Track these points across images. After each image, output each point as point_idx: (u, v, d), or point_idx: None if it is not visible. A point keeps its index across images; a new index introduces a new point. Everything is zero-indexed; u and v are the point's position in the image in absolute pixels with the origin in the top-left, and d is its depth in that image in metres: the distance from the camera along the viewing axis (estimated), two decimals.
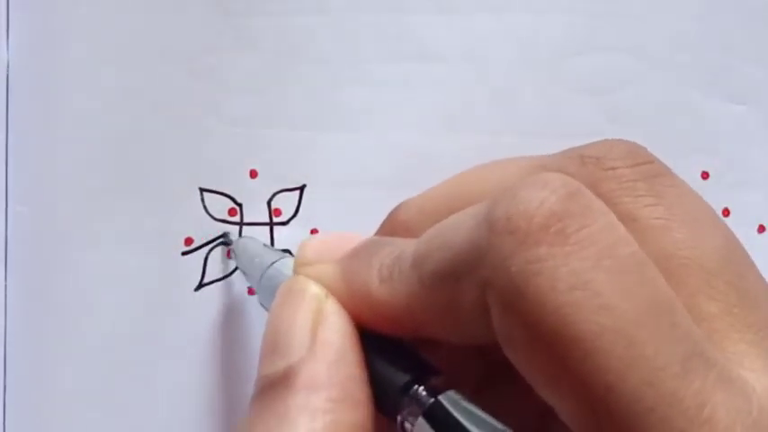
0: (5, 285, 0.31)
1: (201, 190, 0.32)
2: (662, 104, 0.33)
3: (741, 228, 0.34)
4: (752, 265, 0.23)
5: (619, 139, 0.24)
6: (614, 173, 0.23)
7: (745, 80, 0.34)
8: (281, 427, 0.22)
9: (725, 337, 0.21)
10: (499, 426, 0.22)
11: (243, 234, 0.32)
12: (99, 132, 0.32)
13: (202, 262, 0.32)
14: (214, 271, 0.32)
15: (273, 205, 0.32)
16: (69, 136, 0.31)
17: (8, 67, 0.31)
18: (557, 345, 0.19)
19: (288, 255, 0.29)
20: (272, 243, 0.32)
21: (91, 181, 0.32)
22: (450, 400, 0.22)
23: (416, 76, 0.33)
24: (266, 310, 0.27)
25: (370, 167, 0.33)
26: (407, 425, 0.23)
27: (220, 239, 0.32)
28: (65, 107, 0.31)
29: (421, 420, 0.22)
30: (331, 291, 0.24)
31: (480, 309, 0.21)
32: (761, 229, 0.34)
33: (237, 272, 0.32)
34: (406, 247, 0.24)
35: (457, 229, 0.22)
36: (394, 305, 0.23)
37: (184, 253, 0.32)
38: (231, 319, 0.32)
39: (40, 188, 0.31)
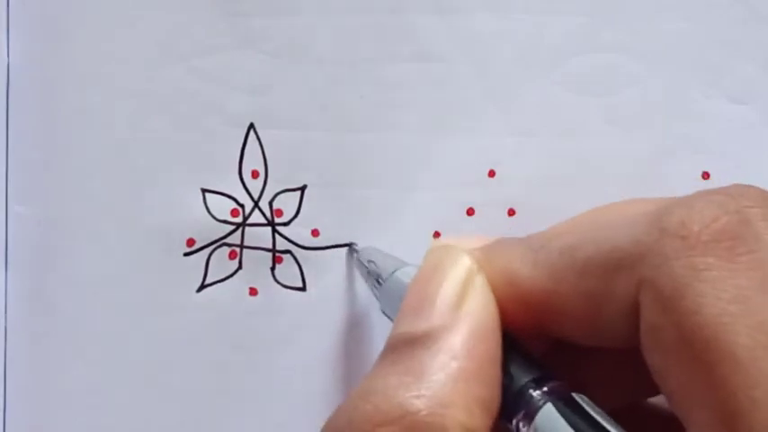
0: (5, 285, 0.31)
1: (203, 191, 0.32)
2: (662, 104, 0.33)
3: None
4: None
5: (749, 185, 0.24)
6: (750, 211, 0.23)
7: (745, 80, 0.34)
8: (417, 384, 0.22)
9: None
10: None
11: (246, 233, 0.32)
12: (99, 132, 0.32)
13: (204, 263, 0.32)
14: (216, 272, 0.32)
15: (275, 206, 0.32)
16: (69, 136, 0.31)
17: (8, 67, 0.31)
18: (709, 351, 0.20)
19: (411, 264, 0.29)
20: (274, 244, 0.32)
21: (91, 181, 0.32)
22: (577, 402, 0.23)
23: (416, 76, 0.33)
24: (389, 318, 0.27)
25: (370, 167, 0.33)
26: (522, 426, 0.23)
27: (346, 247, 0.32)
28: (65, 107, 0.31)
29: (543, 419, 0.22)
30: None
31: (630, 305, 0.21)
32: None
33: (239, 273, 0.32)
34: (551, 240, 0.24)
35: (615, 226, 0.22)
36: (536, 288, 0.23)
37: (186, 254, 0.32)
38: (233, 321, 0.32)
39: (40, 188, 0.31)
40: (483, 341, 0.23)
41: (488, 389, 0.23)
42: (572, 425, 0.22)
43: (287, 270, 0.32)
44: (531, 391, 0.23)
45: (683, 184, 0.33)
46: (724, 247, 0.20)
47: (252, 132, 0.32)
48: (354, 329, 0.32)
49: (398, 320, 0.24)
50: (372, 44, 0.33)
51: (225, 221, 0.32)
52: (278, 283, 0.32)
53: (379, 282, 0.29)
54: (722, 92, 0.34)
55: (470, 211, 0.33)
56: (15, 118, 0.31)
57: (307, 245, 0.32)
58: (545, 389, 0.23)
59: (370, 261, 0.30)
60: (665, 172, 0.33)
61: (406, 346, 0.23)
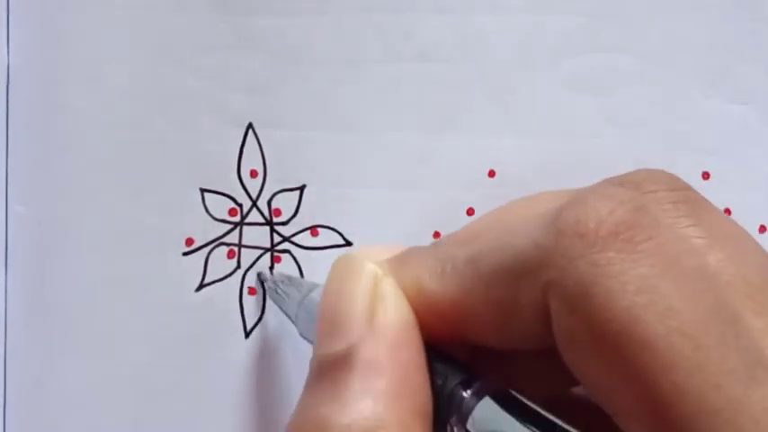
0: (5, 285, 0.31)
1: (202, 190, 0.32)
2: (662, 104, 0.33)
3: None
4: None
5: (656, 169, 0.25)
6: (654, 195, 0.23)
7: (745, 80, 0.34)
8: (343, 410, 0.22)
9: None
10: (560, 423, 0.22)
11: (244, 234, 0.32)
12: (99, 132, 0.32)
13: (203, 262, 0.32)
14: (215, 271, 0.32)
15: (273, 205, 0.32)
16: (69, 136, 0.31)
17: (8, 67, 0.31)
18: (624, 344, 0.20)
19: (322, 284, 0.28)
20: (272, 243, 0.32)
21: (91, 181, 0.31)
22: (512, 395, 0.23)
23: (416, 76, 0.33)
24: (309, 341, 0.27)
25: (370, 167, 0.33)
26: (457, 430, 0.23)
27: (257, 276, 0.32)
28: (65, 107, 0.31)
29: (481, 414, 0.22)
30: None
31: (539, 310, 0.21)
32: (762, 229, 0.34)
33: (238, 272, 0.32)
34: (457, 248, 0.24)
35: (516, 231, 0.22)
36: (445, 299, 0.23)
37: (185, 253, 0.32)
38: (232, 320, 0.32)
39: (40, 188, 0.31)
40: (403, 349, 0.23)
41: (419, 397, 0.23)
42: (512, 413, 0.22)
43: (286, 270, 0.32)
44: (462, 392, 0.23)
45: None
46: (623, 238, 0.20)
47: (251, 132, 0.32)
48: None
49: (316, 343, 0.24)
50: (372, 44, 0.33)
51: (223, 221, 0.32)
52: None
53: (290, 308, 0.29)
54: (722, 92, 0.34)
55: (470, 211, 0.33)
56: (15, 118, 0.31)
57: (306, 245, 0.32)
58: (475, 388, 0.23)
59: (281, 286, 0.30)
60: None
61: (328, 370, 0.23)
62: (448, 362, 0.24)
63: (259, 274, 0.32)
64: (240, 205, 0.32)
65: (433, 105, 0.33)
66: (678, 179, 0.24)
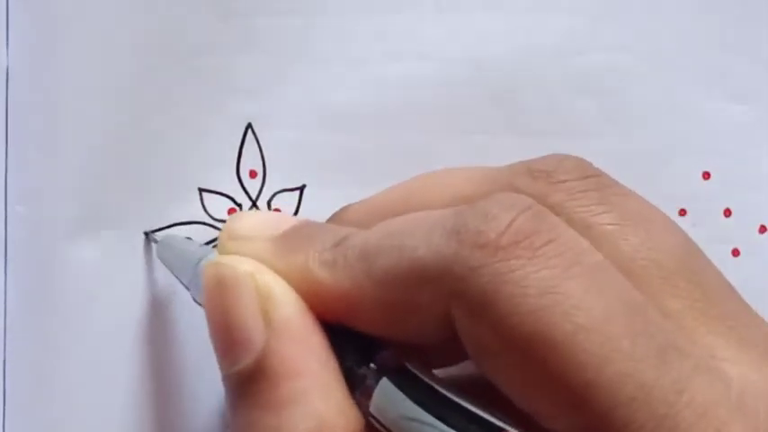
0: (5, 285, 0.31)
1: (201, 190, 0.32)
2: (662, 104, 0.33)
3: (742, 228, 0.34)
4: (708, 261, 0.24)
5: (566, 155, 0.25)
6: (564, 185, 0.24)
7: (745, 80, 0.34)
8: (282, 421, 0.22)
9: (693, 331, 0.22)
10: (457, 400, 0.22)
11: None
12: (99, 133, 0.32)
13: None
14: None
15: (273, 205, 0.32)
16: (69, 136, 0.31)
17: (8, 66, 0.31)
18: (533, 348, 0.20)
19: (214, 249, 0.28)
20: None
21: (91, 181, 0.31)
22: (410, 371, 0.23)
23: (416, 76, 0.33)
24: (201, 306, 0.27)
25: (370, 167, 0.33)
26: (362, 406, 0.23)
27: (144, 236, 0.31)
28: (65, 107, 0.31)
29: (380, 394, 0.22)
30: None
31: (441, 316, 0.21)
32: (762, 229, 0.34)
33: None
34: (350, 234, 0.24)
35: (415, 234, 0.22)
36: (335, 291, 0.23)
37: None
38: None
39: (40, 188, 0.31)
40: (308, 338, 0.23)
41: (339, 381, 0.23)
42: (409, 395, 0.22)
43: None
44: (363, 367, 0.23)
45: (683, 184, 0.33)
46: (523, 246, 0.21)
47: (250, 132, 0.32)
48: None
49: (222, 363, 0.24)
50: (372, 44, 0.33)
51: (222, 221, 0.32)
52: None
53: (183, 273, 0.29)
54: (722, 92, 0.34)
55: None
56: (15, 118, 0.31)
57: None
58: (376, 363, 0.23)
59: (172, 250, 0.30)
60: (665, 172, 0.33)
61: (247, 385, 0.23)
62: (343, 337, 0.23)
63: (146, 234, 0.31)
64: (239, 205, 0.32)
65: (433, 105, 0.33)
66: (589, 166, 0.24)
